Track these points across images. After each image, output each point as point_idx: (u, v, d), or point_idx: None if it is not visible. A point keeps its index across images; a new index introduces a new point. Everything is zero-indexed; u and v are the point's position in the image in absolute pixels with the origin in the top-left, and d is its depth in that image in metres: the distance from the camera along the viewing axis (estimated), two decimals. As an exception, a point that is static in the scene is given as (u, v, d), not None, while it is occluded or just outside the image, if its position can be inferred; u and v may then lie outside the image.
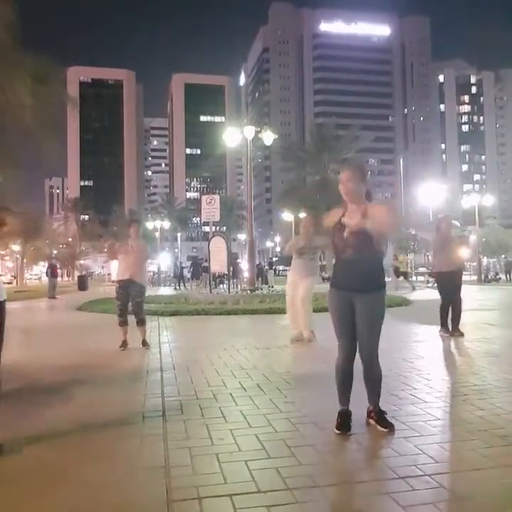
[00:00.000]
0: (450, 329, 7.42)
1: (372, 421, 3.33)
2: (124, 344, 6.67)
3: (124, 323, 6.75)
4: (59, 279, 25.54)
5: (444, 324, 7.50)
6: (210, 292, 15.26)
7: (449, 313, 7.49)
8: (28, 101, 18.11)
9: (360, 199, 3.28)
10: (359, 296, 3.26)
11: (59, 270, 31.76)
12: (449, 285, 7.46)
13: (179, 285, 28.79)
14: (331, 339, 7.05)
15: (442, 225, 7.74)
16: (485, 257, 53.04)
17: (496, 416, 3.47)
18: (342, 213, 3.32)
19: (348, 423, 3.26)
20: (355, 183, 3.26)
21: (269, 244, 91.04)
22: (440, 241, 7.60)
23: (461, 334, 7.28)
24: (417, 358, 5.69)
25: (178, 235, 74.14)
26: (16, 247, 45.20)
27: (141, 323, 6.81)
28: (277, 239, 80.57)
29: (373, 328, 3.27)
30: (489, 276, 33.05)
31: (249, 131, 16.25)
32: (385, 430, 3.23)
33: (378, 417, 3.31)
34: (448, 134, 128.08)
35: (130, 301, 6.76)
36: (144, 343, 6.81)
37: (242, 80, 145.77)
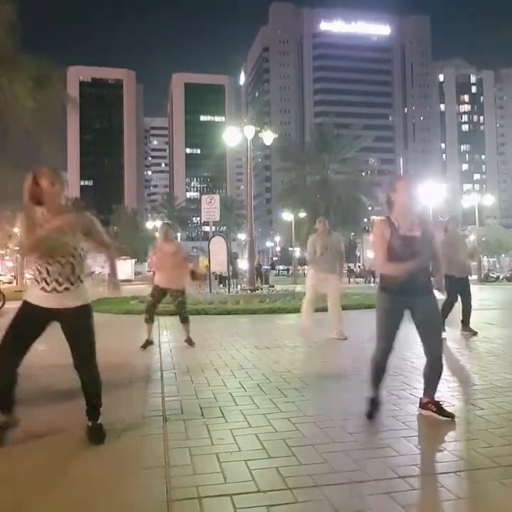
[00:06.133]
0: (460, 329, 7.46)
1: (429, 412, 3.43)
2: (148, 343, 6.64)
3: (150, 320, 6.78)
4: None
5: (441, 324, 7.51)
6: (210, 292, 15.24)
7: (448, 314, 7.47)
8: (29, 102, 18.12)
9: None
10: (420, 299, 3.37)
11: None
12: (459, 289, 7.38)
13: None
14: (330, 339, 7.07)
15: (450, 227, 7.62)
16: (485, 257, 53.00)
17: (496, 416, 3.47)
18: (389, 222, 3.37)
19: (374, 411, 3.42)
20: None
21: (269, 244, 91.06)
22: (448, 244, 7.31)
23: (474, 333, 7.31)
24: (417, 358, 5.67)
25: (178, 234, 74.14)
26: (17, 247, 45.17)
27: (184, 320, 6.84)
28: (277, 239, 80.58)
29: (439, 327, 3.45)
30: (500, 276, 31.18)
31: (249, 130, 16.22)
32: (448, 419, 3.35)
33: (438, 407, 3.43)
34: (448, 133, 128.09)
35: (172, 302, 6.83)
36: (190, 342, 6.79)
37: (242, 79, 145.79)
